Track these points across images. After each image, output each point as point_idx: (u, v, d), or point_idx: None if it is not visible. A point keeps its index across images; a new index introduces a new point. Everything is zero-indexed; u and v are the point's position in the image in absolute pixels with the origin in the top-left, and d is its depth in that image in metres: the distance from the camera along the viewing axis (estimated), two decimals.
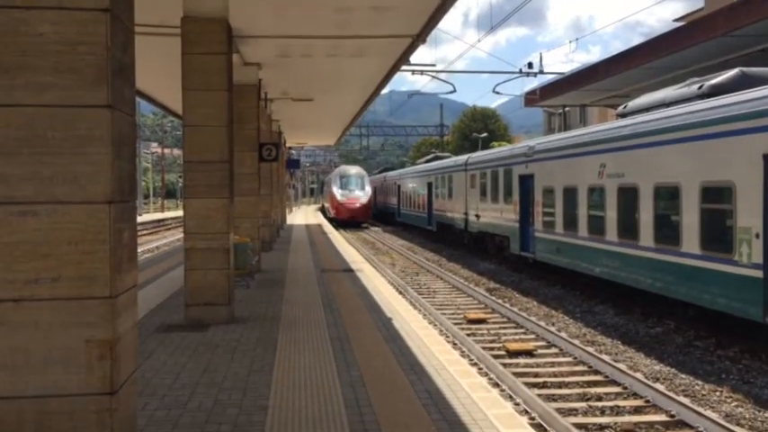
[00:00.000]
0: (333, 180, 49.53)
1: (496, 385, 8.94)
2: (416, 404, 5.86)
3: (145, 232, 41.13)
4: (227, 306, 9.49)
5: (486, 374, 9.45)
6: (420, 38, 12.79)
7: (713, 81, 12.42)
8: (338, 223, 44.21)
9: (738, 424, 7.67)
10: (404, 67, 24.69)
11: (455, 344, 11.20)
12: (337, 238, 27.40)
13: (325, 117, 27.19)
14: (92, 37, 3.41)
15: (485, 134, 67.53)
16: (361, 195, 46.76)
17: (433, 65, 23.81)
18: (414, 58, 17.26)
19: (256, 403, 5.87)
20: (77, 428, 3.44)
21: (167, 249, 26.17)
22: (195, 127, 9.34)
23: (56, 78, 3.40)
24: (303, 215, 56.31)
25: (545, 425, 7.43)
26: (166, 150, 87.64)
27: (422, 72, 23.99)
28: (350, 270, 15.92)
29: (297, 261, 17.99)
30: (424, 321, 10.05)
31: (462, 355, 10.03)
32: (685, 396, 8.64)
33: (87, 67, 3.41)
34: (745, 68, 12.37)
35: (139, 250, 28.78)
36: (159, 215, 61.77)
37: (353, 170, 50.38)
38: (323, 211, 63.42)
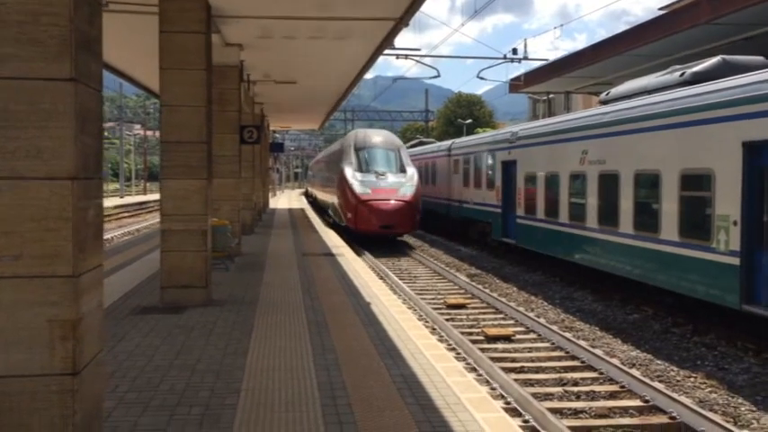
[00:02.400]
0: (344, 156, 25.62)
1: (473, 370, 8.93)
2: (391, 388, 5.83)
3: (126, 215, 40.87)
4: (204, 289, 9.41)
5: (464, 359, 9.44)
6: (403, 21, 12.67)
7: (695, 68, 12.44)
8: (355, 237, 23.66)
9: (711, 409, 7.73)
10: (388, 52, 24.55)
11: (434, 329, 11.19)
12: (319, 222, 27.29)
13: (309, 100, 26.99)
14: (55, 8, 3.31)
15: (469, 120, 67.53)
16: (400, 184, 23.81)
17: (418, 49, 23.72)
18: (400, 43, 17.18)
19: (229, 386, 5.82)
20: (39, 409, 3.37)
21: (148, 232, 25.95)
22: (172, 107, 9.21)
23: (17, 50, 3.30)
24: (287, 199, 56.13)
25: (520, 408, 7.43)
26: (149, 132, 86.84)
27: (406, 56, 23.85)
28: (331, 254, 15.86)
29: (278, 244, 17.91)
30: (404, 306, 10.02)
31: (440, 340, 10.03)
32: (660, 382, 8.69)
33: (50, 38, 3.31)
34: (726, 56, 12.39)
35: (119, 232, 28.55)
36: (141, 197, 61.34)
37: (380, 137, 26.19)
38: (307, 196, 55.87)
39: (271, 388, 5.77)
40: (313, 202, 47.35)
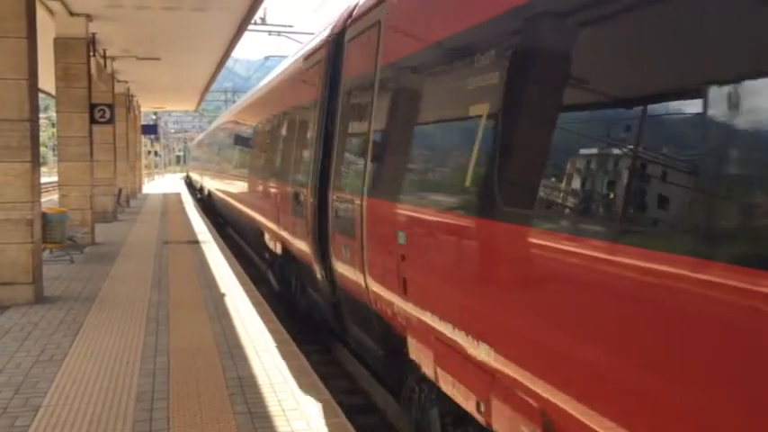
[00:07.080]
0: None
1: (332, 362, 8.42)
2: (222, 395, 5.18)
3: None
4: (32, 285, 8.36)
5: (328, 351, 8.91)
6: None
7: None
8: None
9: None
10: (261, 28, 23.60)
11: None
12: (192, 207, 26.01)
13: (179, 79, 25.57)
14: None
15: None
16: None
17: (291, 26, 22.84)
18: (279, 21, 16.30)
19: (28, 402, 4.98)
20: None
21: None
22: None
23: None
24: (165, 183, 53.79)
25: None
26: None
27: (279, 33, 22.99)
28: (195, 242, 14.91)
29: (140, 232, 16.71)
30: (261, 297, 9.34)
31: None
32: None
33: None
34: None
35: None
36: None
37: None
38: (188, 182, 49.54)
39: (78, 403, 4.98)
40: (187, 180, 39.15)
